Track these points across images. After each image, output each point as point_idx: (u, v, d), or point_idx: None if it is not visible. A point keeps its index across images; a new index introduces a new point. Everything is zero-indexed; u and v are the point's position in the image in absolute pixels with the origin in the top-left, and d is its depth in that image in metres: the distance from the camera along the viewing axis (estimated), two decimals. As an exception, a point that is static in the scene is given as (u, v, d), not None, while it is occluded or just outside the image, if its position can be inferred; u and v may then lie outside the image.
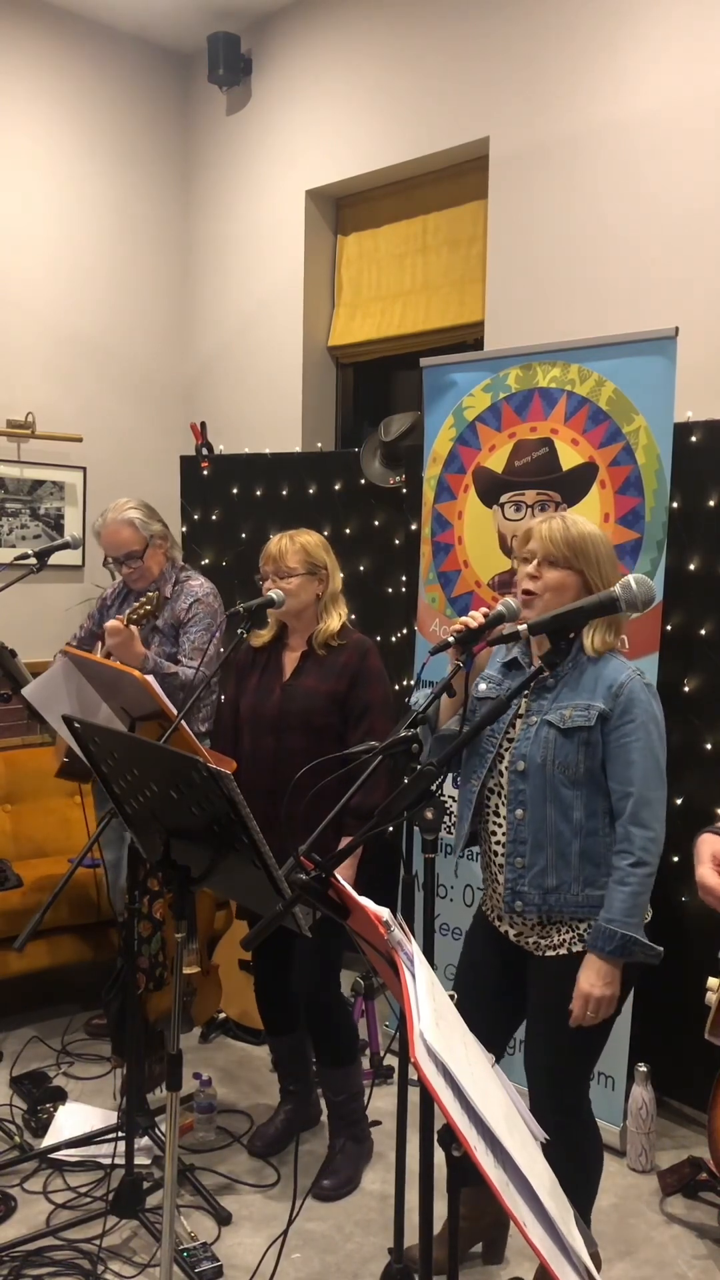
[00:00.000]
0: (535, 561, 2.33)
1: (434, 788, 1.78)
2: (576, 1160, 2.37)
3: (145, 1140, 2.99)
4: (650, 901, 2.32)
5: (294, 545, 2.89)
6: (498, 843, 2.38)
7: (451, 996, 1.57)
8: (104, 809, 2.93)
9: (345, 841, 2.67)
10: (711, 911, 1.97)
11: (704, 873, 1.92)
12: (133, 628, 3.16)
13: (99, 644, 3.37)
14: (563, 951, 2.31)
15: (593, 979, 2.23)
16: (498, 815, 2.38)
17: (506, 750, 2.36)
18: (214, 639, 3.41)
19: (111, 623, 3.17)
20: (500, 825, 2.37)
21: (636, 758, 2.24)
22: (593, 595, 2.13)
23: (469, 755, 2.45)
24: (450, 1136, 1.43)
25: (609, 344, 3.21)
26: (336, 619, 2.93)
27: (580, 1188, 2.38)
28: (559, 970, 2.31)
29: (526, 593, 2.33)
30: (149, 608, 3.20)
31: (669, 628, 3.23)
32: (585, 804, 2.28)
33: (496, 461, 3.45)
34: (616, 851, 2.26)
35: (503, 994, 2.45)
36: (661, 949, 2.25)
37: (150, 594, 3.24)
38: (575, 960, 2.30)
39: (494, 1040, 2.44)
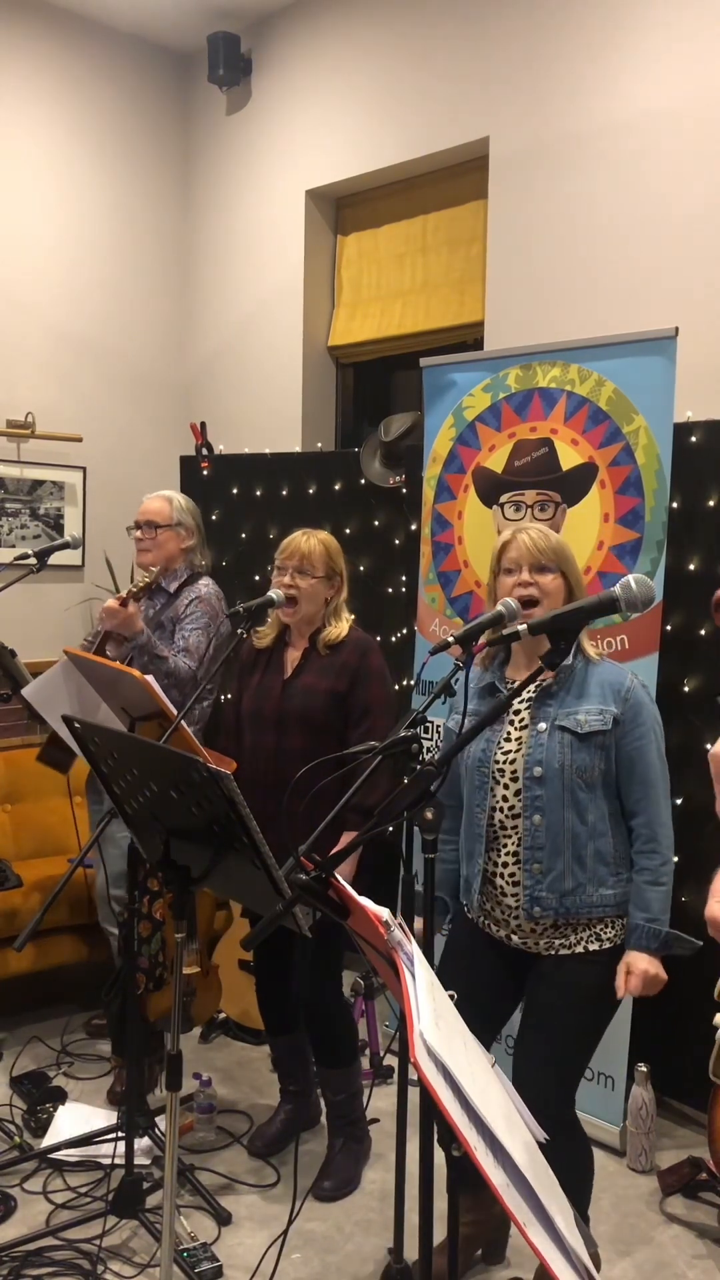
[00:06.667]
0: (525, 569, 2.36)
1: (434, 788, 1.78)
2: (571, 1158, 2.36)
3: (145, 1140, 2.99)
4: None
5: (321, 548, 2.89)
6: (509, 854, 2.37)
7: (451, 996, 1.57)
8: (104, 809, 2.92)
9: (346, 838, 2.68)
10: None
11: (714, 907, 1.97)
12: (131, 606, 3.16)
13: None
14: (580, 950, 2.33)
15: (648, 963, 2.28)
16: (504, 829, 2.38)
17: (509, 763, 2.36)
18: (211, 640, 3.39)
19: (109, 603, 3.17)
20: (510, 837, 2.37)
21: (652, 759, 2.33)
22: (592, 596, 2.13)
23: (468, 792, 2.45)
24: (450, 1136, 1.43)
25: (609, 344, 3.21)
26: (345, 623, 2.93)
27: (577, 1186, 2.38)
28: (568, 968, 2.32)
29: (528, 600, 2.35)
30: (146, 580, 3.24)
31: (669, 628, 3.23)
32: (597, 806, 2.33)
33: (496, 461, 3.45)
34: (644, 851, 2.32)
35: (495, 992, 2.45)
36: (700, 942, 2.30)
37: (152, 569, 3.28)
38: (586, 959, 2.32)
39: (482, 1038, 2.44)
